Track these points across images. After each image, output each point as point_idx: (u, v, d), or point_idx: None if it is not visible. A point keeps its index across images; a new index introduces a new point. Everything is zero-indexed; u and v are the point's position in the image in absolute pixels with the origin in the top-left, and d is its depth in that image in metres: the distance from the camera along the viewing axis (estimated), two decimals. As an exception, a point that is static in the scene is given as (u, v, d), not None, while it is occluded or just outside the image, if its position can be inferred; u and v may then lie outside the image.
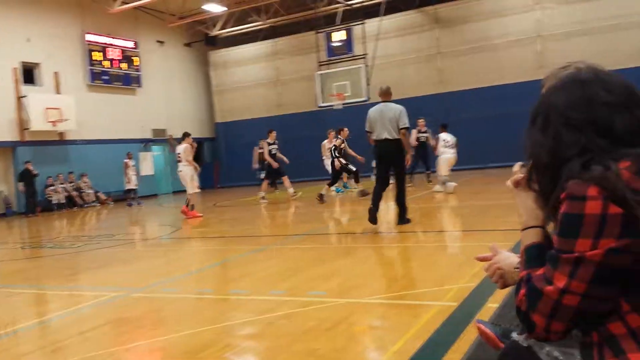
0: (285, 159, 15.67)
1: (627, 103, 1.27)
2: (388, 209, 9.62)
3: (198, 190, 12.82)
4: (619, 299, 1.21)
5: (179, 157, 12.71)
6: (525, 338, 1.52)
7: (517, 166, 1.52)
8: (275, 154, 15.21)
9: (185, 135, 12.98)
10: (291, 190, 15.06)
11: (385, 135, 8.09)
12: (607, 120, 1.26)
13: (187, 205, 12.62)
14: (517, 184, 1.50)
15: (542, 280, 1.26)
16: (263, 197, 15.06)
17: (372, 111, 8.32)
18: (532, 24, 20.70)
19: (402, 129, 8.11)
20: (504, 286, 1.63)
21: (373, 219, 8.08)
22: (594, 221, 1.17)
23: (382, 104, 8.32)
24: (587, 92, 1.30)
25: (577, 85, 1.33)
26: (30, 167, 18.27)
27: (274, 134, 15.34)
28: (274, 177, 16.21)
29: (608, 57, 16.60)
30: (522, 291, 1.30)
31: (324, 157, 16.60)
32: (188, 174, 12.60)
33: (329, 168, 15.65)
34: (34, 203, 18.50)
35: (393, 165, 8.27)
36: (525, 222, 1.45)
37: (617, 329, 1.22)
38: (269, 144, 15.13)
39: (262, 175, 15.60)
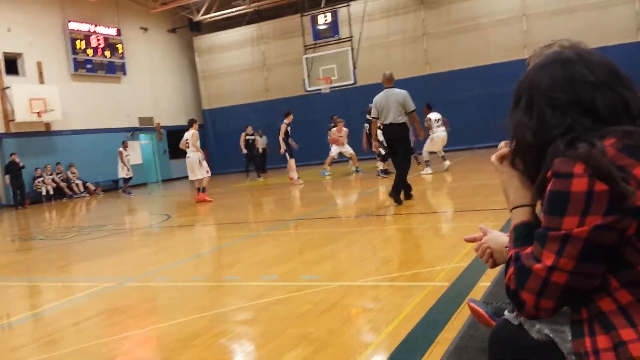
0: (294, 144, 15.72)
1: (609, 82, 1.28)
2: (379, 192, 9.64)
3: (209, 175, 12.87)
4: (607, 276, 1.22)
5: (187, 143, 12.71)
6: (516, 316, 1.53)
7: (503, 143, 1.51)
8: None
9: (192, 121, 12.94)
10: (294, 174, 15.16)
11: (390, 119, 8.44)
12: (590, 99, 1.26)
13: (202, 191, 12.81)
14: (501, 158, 1.49)
15: (530, 258, 1.26)
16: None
17: (377, 98, 8.64)
18: (517, 3, 20.66)
19: (411, 112, 8.51)
20: (494, 265, 1.64)
21: (397, 200, 8.48)
22: (580, 198, 1.17)
23: (386, 89, 8.61)
24: (570, 72, 1.30)
25: (559, 64, 1.33)
26: (17, 159, 18.06)
27: (291, 116, 15.30)
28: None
29: (593, 34, 16.66)
30: (511, 269, 1.31)
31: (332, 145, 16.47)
32: (196, 159, 12.63)
33: (334, 155, 15.97)
34: (22, 195, 18.32)
35: (397, 147, 8.59)
36: (514, 201, 1.43)
37: (607, 306, 1.24)
38: (287, 125, 15.10)
39: (288, 157, 15.55)
